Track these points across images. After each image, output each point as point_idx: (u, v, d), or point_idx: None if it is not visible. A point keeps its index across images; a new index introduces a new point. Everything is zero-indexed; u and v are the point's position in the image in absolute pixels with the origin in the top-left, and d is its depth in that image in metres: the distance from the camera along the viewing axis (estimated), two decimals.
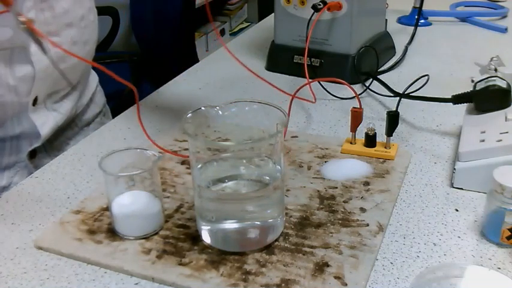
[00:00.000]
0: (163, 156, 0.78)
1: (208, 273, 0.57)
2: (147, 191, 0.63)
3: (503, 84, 0.78)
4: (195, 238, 0.62)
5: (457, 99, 0.82)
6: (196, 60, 1.27)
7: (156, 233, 0.63)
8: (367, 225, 0.64)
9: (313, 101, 0.91)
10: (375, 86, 0.96)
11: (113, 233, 0.63)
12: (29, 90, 0.78)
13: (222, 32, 2.96)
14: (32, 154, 0.85)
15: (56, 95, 0.86)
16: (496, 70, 0.92)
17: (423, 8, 1.23)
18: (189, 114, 0.59)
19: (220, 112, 0.61)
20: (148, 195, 0.63)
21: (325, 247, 0.60)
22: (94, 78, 1.00)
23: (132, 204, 0.62)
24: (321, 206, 0.67)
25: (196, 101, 0.88)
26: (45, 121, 0.84)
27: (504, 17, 1.36)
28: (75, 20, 0.82)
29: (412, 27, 1.21)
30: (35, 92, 0.79)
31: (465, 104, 0.81)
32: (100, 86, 1.02)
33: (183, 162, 0.77)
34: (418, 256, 0.60)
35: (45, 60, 0.77)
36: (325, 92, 0.96)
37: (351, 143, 0.79)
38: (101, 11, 0.90)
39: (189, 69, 1.12)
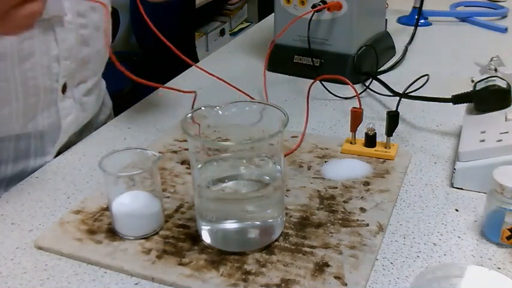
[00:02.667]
0: (163, 156, 0.78)
1: (208, 273, 0.57)
2: (147, 191, 0.63)
3: (503, 84, 0.78)
4: (195, 238, 0.62)
5: (457, 99, 0.82)
6: (196, 60, 1.28)
7: (156, 233, 0.63)
8: (367, 225, 0.64)
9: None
10: (375, 85, 0.96)
11: (113, 233, 0.63)
12: (58, 73, 0.79)
13: (222, 32, 2.96)
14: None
15: (83, 86, 0.86)
16: (496, 70, 0.92)
17: (423, 8, 1.23)
18: (189, 114, 0.59)
19: (220, 112, 0.61)
20: (148, 195, 0.63)
21: (325, 247, 0.60)
22: (103, 81, 1.01)
23: (132, 204, 0.62)
24: (321, 206, 0.67)
25: (196, 101, 0.88)
26: (69, 113, 0.84)
27: (504, 17, 1.36)
28: (98, 6, 0.83)
29: (412, 27, 1.21)
30: (62, 75, 0.79)
31: (465, 104, 0.81)
32: (106, 89, 1.03)
33: (183, 162, 0.77)
34: (418, 256, 0.60)
35: (69, 40, 0.78)
36: (325, 91, 0.96)
37: (351, 143, 0.79)
38: None
39: (189, 69, 1.12)
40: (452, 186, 0.72)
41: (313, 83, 0.90)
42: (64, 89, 0.81)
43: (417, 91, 0.88)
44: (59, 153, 0.85)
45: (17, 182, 0.78)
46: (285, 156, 0.77)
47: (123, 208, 0.62)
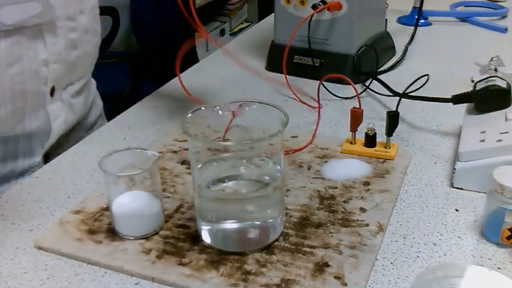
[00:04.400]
0: (163, 156, 0.78)
1: (208, 273, 0.57)
2: (147, 191, 0.63)
3: (503, 84, 0.77)
4: (195, 238, 0.62)
5: (457, 99, 0.82)
6: (196, 60, 1.28)
7: (156, 233, 0.63)
8: (367, 225, 0.64)
9: (317, 106, 0.91)
10: (375, 85, 0.96)
11: (113, 233, 0.63)
12: (47, 77, 0.79)
13: (222, 32, 2.96)
14: (45, 158, 0.85)
15: (71, 88, 0.87)
16: (496, 70, 0.92)
17: (423, 8, 1.23)
18: (189, 114, 0.59)
19: (220, 112, 0.61)
20: (148, 195, 0.63)
21: (325, 247, 0.60)
22: (93, 82, 1.01)
23: (131, 204, 0.62)
24: (321, 206, 0.67)
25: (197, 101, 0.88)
26: (59, 115, 0.84)
27: (504, 17, 1.36)
28: (87, 8, 0.84)
29: (412, 27, 1.21)
30: (51, 78, 0.79)
31: (465, 104, 0.81)
32: (97, 90, 1.03)
33: (183, 162, 0.77)
34: (418, 256, 0.60)
35: (59, 44, 0.78)
36: (325, 92, 0.96)
37: (350, 143, 0.79)
38: (101, 11, 0.90)
39: (189, 69, 1.12)
40: (452, 186, 0.72)
41: (320, 83, 0.90)
42: (52, 91, 0.81)
43: (417, 91, 0.88)
44: (48, 154, 0.86)
45: (6, 182, 0.78)
46: (294, 151, 0.77)
47: (123, 208, 0.62)
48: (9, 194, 0.72)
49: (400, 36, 1.20)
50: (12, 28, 0.71)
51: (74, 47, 0.82)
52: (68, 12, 0.79)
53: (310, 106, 0.91)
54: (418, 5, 1.24)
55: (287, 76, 1.05)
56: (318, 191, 0.70)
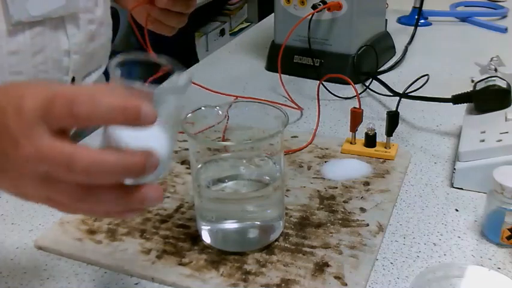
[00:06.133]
0: None
1: (208, 273, 0.57)
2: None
3: (503, 84, 0.77)
4: (195, 238, 0.62)
5: (457, 99, 0.82)
6: (196, 60, 1.28)
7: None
8: (367, 225, 0.64)
9: (298, 108, 0.92)
10: (375, 85, 0.96)
11: (113, 233, 0.63)
12: (68, 67, 0.81)
13: (222, 32, 2.96)
14: None
15: (89, 79, 0.89)
16: (496, 70, 0.92)
17: (423, 8, 1.23)
18: (189, 114, 0.59)
19: (220, 112, 0.61)
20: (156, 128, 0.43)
21: (325, 247, 0.60)
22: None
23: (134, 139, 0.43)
24: (321, 206, 0.67)
25: (197, 101, 0.88)
26: None
27: (504, 17, 1.36)
28: (100, 0, 0.86)
29: (412, 27, 1.21)
30: (72, 68, 0.82)
31: (465, 104, 0.81)
32: None
33: (183, 162, 0.77)
34: (418, 256, 0.60)
35: (79, 35, 0.81)
36: (325, 92, 0.96)
37: (350, 143, 0.79)
38: None
39: (189, 69, 1.12)
40: (452, 186, 0.71)
41: (319, 83, 0.90)
42: (73, 82, 0.84)
43: (417, 91, 0.88)
44: None
45: None
46: (294, 151, 0.77)
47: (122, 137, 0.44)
48: None
49: (400, 36, 1.20)
50: (38, 19, 0.74)
51: (92, 38, 0.84)
52: (87, 4, 0.82)
53: (293, 108, 0.91)
54: (418, 5, 1.24)
55: (287, 76, 1.05)
56: (318, 191, 0.70)
